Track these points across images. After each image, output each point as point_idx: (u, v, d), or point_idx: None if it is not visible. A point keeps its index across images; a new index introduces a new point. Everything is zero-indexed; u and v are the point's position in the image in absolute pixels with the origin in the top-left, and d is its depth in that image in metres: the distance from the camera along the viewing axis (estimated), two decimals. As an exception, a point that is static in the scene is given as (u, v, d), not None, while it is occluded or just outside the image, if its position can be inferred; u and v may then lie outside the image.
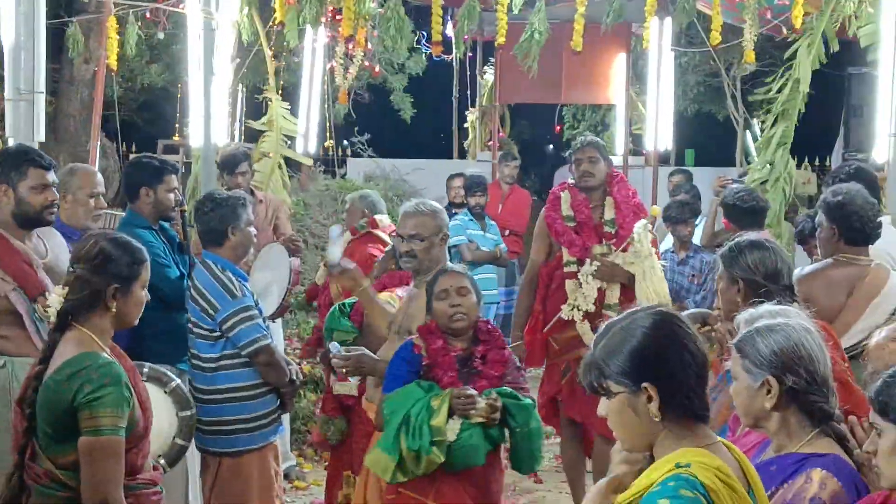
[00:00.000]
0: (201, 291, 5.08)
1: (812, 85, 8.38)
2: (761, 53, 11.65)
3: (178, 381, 4.50)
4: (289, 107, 10.02)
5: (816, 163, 15.53)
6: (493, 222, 9.83)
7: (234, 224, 5.16)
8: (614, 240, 6.37)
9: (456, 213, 9.89)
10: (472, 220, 9.63)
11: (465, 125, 15.65)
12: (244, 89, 12.50)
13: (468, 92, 15.76)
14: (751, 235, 4.24)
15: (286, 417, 5.61)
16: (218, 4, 7.76)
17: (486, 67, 15.07)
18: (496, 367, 4.49)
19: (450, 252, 9.60)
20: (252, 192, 7.54)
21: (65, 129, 11.07)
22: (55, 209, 4.80)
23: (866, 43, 7.93)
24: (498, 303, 9.87)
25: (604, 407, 2.57)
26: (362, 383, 5.26)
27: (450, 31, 12.97)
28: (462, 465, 4.37)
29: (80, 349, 3.50)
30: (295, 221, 9.71)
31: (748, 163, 14.60)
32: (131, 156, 14.08)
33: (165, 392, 4.42)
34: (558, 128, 17.59)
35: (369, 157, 13.85)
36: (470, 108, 15.53)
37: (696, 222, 8.24)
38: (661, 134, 11.87)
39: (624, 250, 6.33)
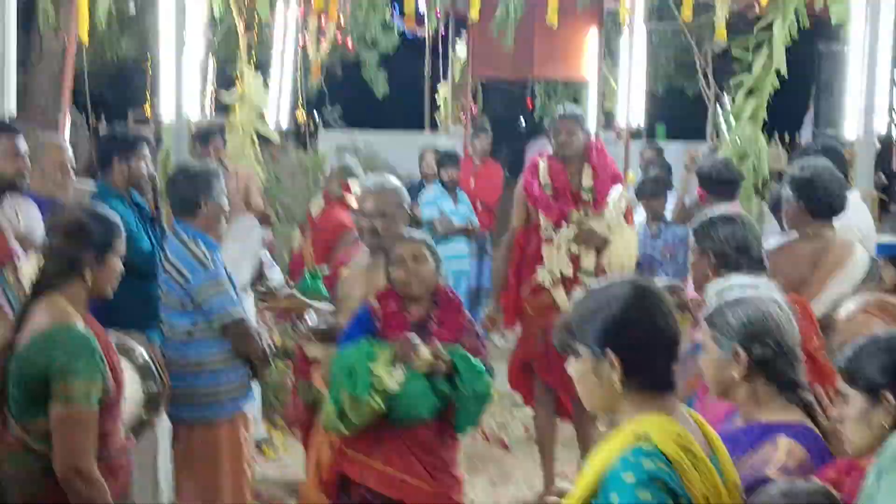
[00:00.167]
0: (173, 262, 5.07)
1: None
2: (732, 29, 11.69)
3: (147, 354, 4.46)
4: (262, 79, 9.98)
5: (787, 139, 15.62)
6: (464, 196, 9.85)
7: (206, 195, 5.15)
8: (591, 206, 6.46)
9: (428, 187, 9.91)
10: (443, 193, 9.65)
11: (437, 99, 15.64)
12: (215, 62, 12.43)
13: (440, 66, 15.74)
14: (722, 209, 4.28)
15: (257, 387, 5.61)
16: (189, -23, 7.71)
17: (458, 42, 15.06)
18: (449, 330, 4.54)
19: (421, 225, 9.67)
20: (223, 165, 7.53)
21: (35, 102, 10.96)
22: (26, 176, 4.79)
23: (837, 20, 7.97)
24: (469, 275, 9.90)
25: (571, 367, 2.61)
26: None
27: (422, 6, 12.95)
28: (406, 417, 4.38)
29: (53, 319, 3.50)
30: (266, 194, 9.69)
31: (719, 138, 14.73)
32: (101, 128, 14.02)
33: (132, 365, 4.41)
34: (530, 103, 17.61)
35: (341, 130, 13.82)
36: (442, 83, 15.51)
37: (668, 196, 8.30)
38: (632, 109, 11.91)
39: (601, 216, 6.42)
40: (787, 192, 5.12)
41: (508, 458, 7.50)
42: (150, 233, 5.58)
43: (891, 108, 9.46)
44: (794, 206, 5.06)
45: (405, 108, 18.24)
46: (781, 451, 2.84)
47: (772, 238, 5.24)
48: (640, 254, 7.00)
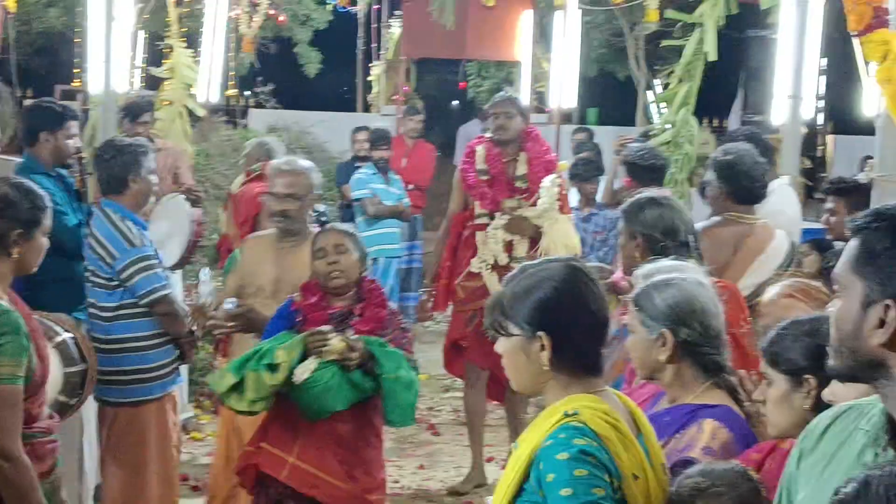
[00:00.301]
0: (99, 240, 5.00)
1: (711, 47, 8.50)
2: (664, 13, 11.77)
3: (66, 335, 4.33)
4: (192, 54, 9.86)
5: (715, 124, 15.81)
6: (396, 177, 9.83)
7: (135, 172, 5.08)
8: (525, 194, 6.51)
9: (360, 167, 9.87)
10: (375, 174, 9.61)
11: (370, 79, 15.58)
12: (145, 35, 12.26)
13: (373, 45, 15.67)
14: (651, 192, 4.32)
15: (184, 368, 5.57)
16: (119, -53, 7.58)
17: (391, 21, 15.00)
18: (367, 322, 4.45)
19: (353, 206, 9.65)
20: (152, 141, 7.43)
21: (-43, 73, 10.76)
22: None
23: (766, 5, 8.05)
24: (400, 257, 9.89)
25: (500, 345, 2.62)
26: None
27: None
28: (318, 408, 4.31)
29: (-24, 296, 3.44)
30: (196, 171, 9.59)
31: (649, 122, 14.84)
32: (26, 101, 13.75)
33: (51, 346, 4.32)
34: (463, 84, 17.61)
35: (272, 107, 13.73)
36: (375, 62, 15.45)
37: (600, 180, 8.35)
38: (564, 92, 11.95)
39: (533, 205, 6.46)
40: (709, 176, 5.19)
41: (437, 442, 7.52)
42: (77, 209, 5.50)
43: (817, 95, 9.61)
44: (717, 190, 5.13)
45: (337, 88, 18.14)
46: (706, 433, 2.88)
47: (696, 223, 5.31)
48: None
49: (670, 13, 8.92)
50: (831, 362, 2.05)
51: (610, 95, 17.45)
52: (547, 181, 6.47)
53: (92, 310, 5.04)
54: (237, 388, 4.30)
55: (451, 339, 6.72)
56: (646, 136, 8.46)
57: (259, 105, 14.56)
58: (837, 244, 5.47)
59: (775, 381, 2.79)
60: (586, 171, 7.94)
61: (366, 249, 4.63)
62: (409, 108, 11.60)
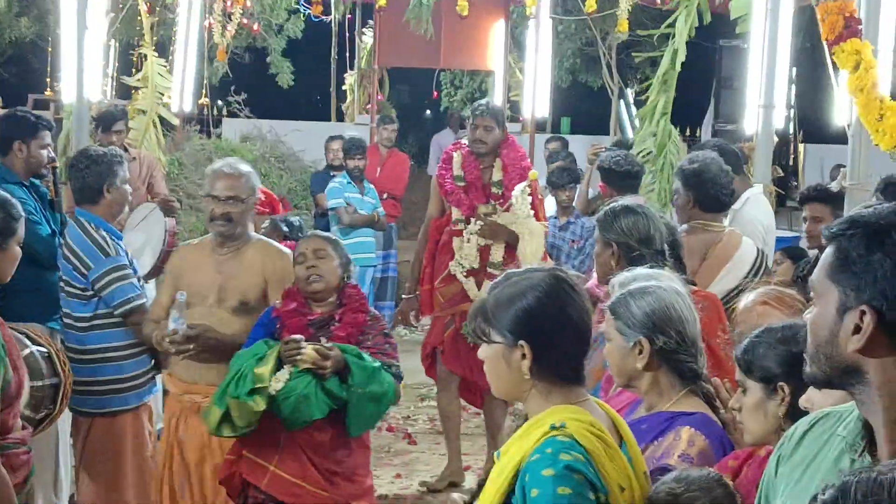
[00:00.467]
0: (74, 250, 4.98)
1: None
2: (635, 23, 11.85)
3: (35, 348, 4.25)
4: (165, 63, 9.84)
5: (687, 133, 15.89)
6: (371, 186, 9.83)
7: (109, 182, 5.07)
8: (501, 200, 6.59)
9: (334, 176, 9.87)
10: (350, 183, 9.61)
11: (344, 88, 15.58)
12: (117, 44, 12.22)
13: (346, 54, 15.68)
14: (626, 200, 4.34)
15: (160, 378, 5.54)
16: (91, -43, 7.57)
17: (365, 30, 15.01)
18: (344, 328, 4.44)
19: (327, 215, 9.64)
20: (126, 150, 7.41)
21: (-72, 82, 10.68)
22: None
23: (736, 14, 8.11)
24: (375, 266, 9.89)
25: (482, 352, 2.62)
26: None
27: (330, -9, 12.88)
28: (296, 417, 4.28)
29: (-50, 307, 3.43)
30: (169, 181, 9.57)
31: (622, 131, 14.92)
32: (-1, 110, 13.68)
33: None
34: (436, 93, 17.63)
35: (246, 117, 13.70)
36: (348, 71, 15.45)
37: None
38: (538, 101, 12.01)
39: (506, 210, 6.53)
40: (676, 184, 5.22)
41: (414, 451, 7.52)
42: (50, 219, 5.48)
43: (788, 104, 9.68)
44: (684, 198, 5.16)
45: (311, 97, 18.12)
46: (683, 441, 2.90)
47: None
48: (547, 244, 7.09)
49: (638, 56, 8.98)
50: (808, 369, 2.06)
51: (583, 104, 17.52)
52: (517, 189, 6.53)
53: (67, 320, 5.02)
54: (226, 417, 4.27)
55: (431, 344, 6.75)
56: (625, 146, 8.49)
57: (232, 114, 14.53)
58: (811, 252, 5.51)
59: (750, 389, 2.81)
60: (560, 179, 7.96)
61: (348, 257, 4.59)
62: (384, 118, 11.61)
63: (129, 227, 5.89)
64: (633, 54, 9.38)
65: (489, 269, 6.50)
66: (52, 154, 5.67)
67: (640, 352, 3.00)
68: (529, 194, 6.58)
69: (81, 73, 7.32)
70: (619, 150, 7.29)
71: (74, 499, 5.33)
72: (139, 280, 5.16)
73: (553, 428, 2.42)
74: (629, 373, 3.04)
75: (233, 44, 13.11)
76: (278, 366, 4.27)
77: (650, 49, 8.69)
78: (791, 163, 15.04)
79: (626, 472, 2.49)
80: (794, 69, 11.84)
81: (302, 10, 15.08)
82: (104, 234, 5.02)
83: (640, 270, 3.33)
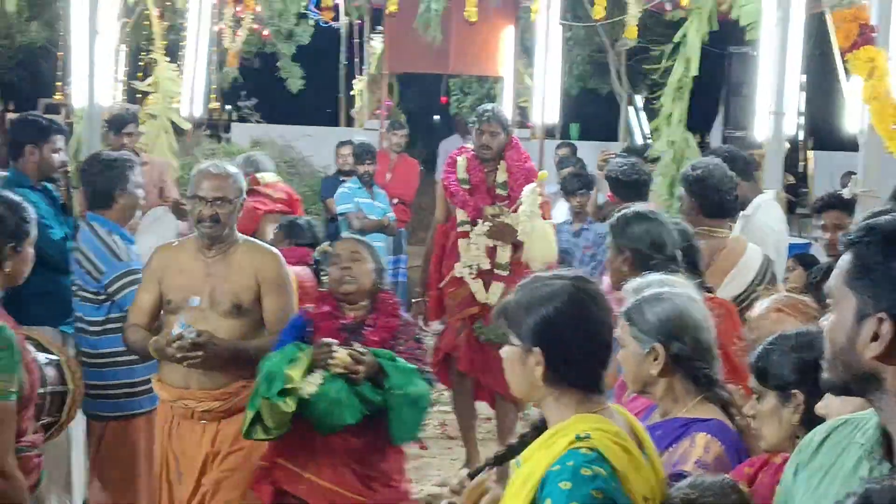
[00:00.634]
0: (86, 254, 5.00)
1: (694, 63, 8.56)
2: (645, 29, 11.84)
3: (41, 355, 4.12)
4: (177, 68, 9.86)
5: (697, 139, 15.86)
6: (381, 191, 9.83)
7: (122, 186, 5.09)
8: (506, 201, 6.64)
9: (344, 181, 9.87)
10: (360, 188, 9.61)
11: (353, 93, 15.58)
12: (127, 49, 12.24)
13: (356, 60, 15.69)
14: (638, 207, 4.34)
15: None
16: (103, -38, 7.58)
17: (374, 35, 15.01)
18: (377, 333, 4.43)
19: (337, 220, 9.64)
20: (137, 154, 7.43)
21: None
22: None
23: (746, 21, 8.11)
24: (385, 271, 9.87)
25: (503, 350, 2.60)
26: None
27: (339, -3, 12.90)
28: (329, 422, 4.25)
29: (-33, 311, 3.44)
30: (181, 185, 9.57)
31: (631, 137, 14.91)
32: (8, 115, 13.72)
33: None
34: (444, 99, 17.62)
35: (256, 122, 13.72)
36: (358, 76, 15.46)
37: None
38: (547, 107, 11.99)
39: (514, 211, 6.58)
40: (680, 191, 5.22)
41: (425, 456, 7.51)
42: (63, 223, 5.49)
43: (799, 111, 9.68)
44: (688, 204, 5.16)
45: (320, 102, 18.13)
46: (699, 447, 2.90)
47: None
48: (559, 250, 7.11)
49: (648, 66, 8.99)
50: (825, 375, 2.06)
51: (592, 110, 17.49)
52: (528, 189, 6.57)
53: (79, 324, 5.03)
54: (257, 419, 4.24)
55: (442, 349, 6.78)
56: (635, 152, 8.47)
57: (242, 119, 14.55)
58: (826, 260, 5.50)
59: (764, 396, 2.81)
60: (573, 185, 7.95)
61: (383, 263, 4.59)
62: (393, 123, 11.61)
63: (140, 231, 5.91)
64: (646, 67, 9.38)
65: (496, 271, 6.57)
66: (65, 158, 5.68)
67: (655, 358, 3.00)
68: (538, 194, 6.62)
69: (92, 78, 7.34)
70: (626, 159, 7.28)
71: (87, 502, 5.34)
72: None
73: (578, 439, 2.40)
74: (644, 379, 3.04)
75: (243, 49, 13.12)
76: (310, 370, 4.24)
77: (660, 56, 8.68)
78: (801, 170, 15.02)
79: (650, 482, 2.47)
80: (805, 76, 11.83)
81: (311, 16, 15.09)
82: (116, 238, 5.04)
83: (654, 277, 3.33)
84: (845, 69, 6.37)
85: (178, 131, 9.74)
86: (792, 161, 13.35)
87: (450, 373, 6.81)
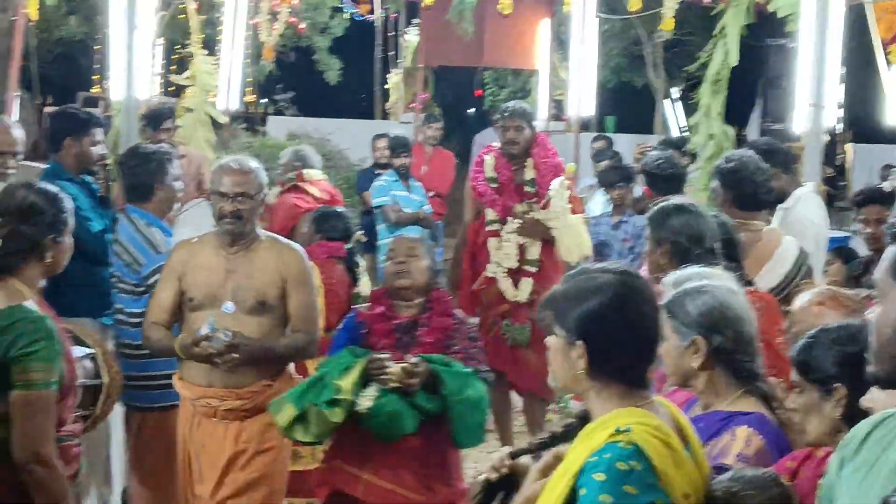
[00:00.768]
0: (125, 246, 5.03)
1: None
2: (682, 22, 11.78)
3: (76, 349, 4.00)
4: (215, 62, 9.90)
5: (734, 132, 15.77)
6: (417, 183, 9.82)
7: (160, 179, 5.11)
8: (535, 198, 6.65)
9: (381, 174, 9.88)
10: (396, 181, 9.61)
11: (388, 86, 15.59)
12: (164, 42, 12.31)
13: (391, 53, 15.70)
14: (677, 199, 4.32)
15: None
16: (141, -43, 7.61)
17: (408, 29, 15.02)
18: (432, 333, 4.40)
19: (373, 213, 9.65)
20: (175, 147, 7.46)
21: (-21, 81, 10.79)
22: None
23: (784, 13, 8.05)
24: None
25: (548, 339, 2.59)
26: None
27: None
28: (387, 433, 4.25)
29: (9, 301, 3.46)
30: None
31: (666, 130, 14.84)
32: (46, 108, 13.84)
33: None
34: (479, 92, 17.60)
35: (292, 115, 13.77)
36: (393, 70, 15.47)
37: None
38: (582, 100, 11.95)
39: (544, 208, 6.59)
40: (714, 183, 5.20)
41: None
42: (102, 216, 5.52)
43: (838, 103, 9.59)
44: (722, 197, 5.13)
45: (355, 96, 18.16)
46: (740, 440, 2.88)
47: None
48: (597, 242, 7.11)
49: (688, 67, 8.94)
50: (871, 368, 2.04)
51: (627, 103, 17.44)
52: (555, 184, 6.59)
53: (119, 315, 5.06)
54: (300, 418, 4.21)
55: None
56: (671, 144, 8.42)
57: (278, 112, 14.60)
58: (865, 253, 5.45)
59: (806, 390, 2.79)
60: (611, 178, 7.91)
61: (439, 264, 4.58)
62: (429, 116, 11.62)
63: (178, 223, 5.94)
64: (686, 69, 9.32)
65: (525, 267, 6.59)
66: (104, 150, 5.71)
67: (696, 351, 2.98)
68: (567, 188, 6.62)
69: (130, 72, 7.36)
70: (662, 152, 7.24)
71: (126, 493, 5.37)
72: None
73: (618, 432, 2.39)
74: (684, 372, 3.03)
75: (279, 42, 13.17)
76: (364, 381, 4.21)
77: (696, 49, 8.64)
78: (839, 163, 14.90)
79: (691, 477, 2.45)
80: (844, 68, 11.73)
81: (346, 10, 15.11)
82: (155, 230, 5.06)
83: (693, 269, 3.31)
84: (886, 60, 6.31)
85: (215, 125, 9.78)
86: (831, 154, 13.24)
87: None
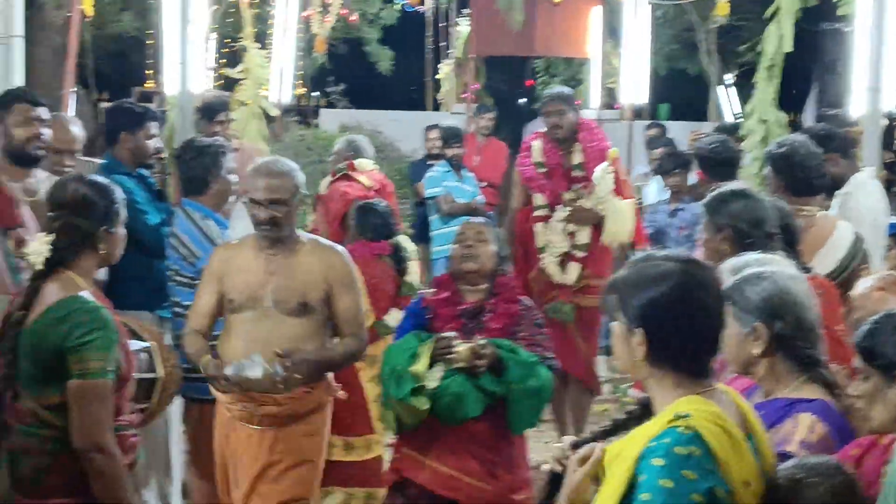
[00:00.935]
0: (182, 239, 5.06)
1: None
2: (736, 7, 11.65)
3: (132, 343, 3.97)
4: (268, 56, 9.95)
5: (790, 118, 15.61)
6: (470, 174, 9.80)
7: (215, 172, 5.14)
8: (583, 183, 6.68)
9: (432, 165, 9.88)
10: (449, 171, 9.59)
11: (439, 77, 15.58)
12: (217, 37, 12.39)
13: (442, 44, 15.68)
14: (734, 184, 4.27)
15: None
16: (194, -48, 7.66)
17: (459, 19, 14.99)
18: (499, 319, 4.39)
19: (426, 204, 9.65)
20: (229, 141, 7.50)
21: (37, 76, 10.90)
22: (42, 143, 4.79)
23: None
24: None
25: (612, 326, 2.57)
26: None
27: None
28: (451, 415, 4.24)
29: (66, 292, 3.50)
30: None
31: (720, 117, 14.70)
32: (102, 103, 14.00)
33: None
34: (530, 81, 17.53)
35: (344, 107, 13.80)
36: (444, 60, 15.46)
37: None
38: (636, 88, 11.88)
39: (590, 194, 6.63)
40: (767, 169, 5.15)
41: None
42: (158, 209, 5.56)
43: (896, 87, 9.43)
44: (774, 182, 5.08)
45: (407, 87, 18.18)
46: (803, 427, 2.84)
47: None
48: (654, 230, 7.06)
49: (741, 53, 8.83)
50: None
51: (681, 90, 17.29)
52: (598, 170, 6.60)
53: (176, 308, 5.09)
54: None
55: None
56: (726, 131, 8.34)
57: (330, 105, 14.64)
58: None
59: (870, 377, 2.74)
60: (668, 165, 7.86)
61: (506, 250, 4.58)
62: (481, 107, 11.60)
63: (235, 216, 5.96)
64: (740, 55, 9.21)
65: (573, 252, 6.62)
66: (159, 144, 5.75)
67: (757, 338, 2.95)
68: (611, 173, 6.59)
69: (185, 66, 7.40)
70: (717, 137, 7.18)
71: (185, 485, 5.42)
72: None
73: (677, 417, 2.37)
74: (745, 359, 2.99)
75: (330, 35, 13.21)
76: (431, 362, 4.22)
77: (750, 35, 8.55)
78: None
79: (751, 465, 2.42)
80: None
81: (396, 1, 15.12)
82: (211, 223, 5.09)
83: (752, 256, 3.28)
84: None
85: (268, 118, 9.83)
86: (889, 138, 13.04)
87: None
